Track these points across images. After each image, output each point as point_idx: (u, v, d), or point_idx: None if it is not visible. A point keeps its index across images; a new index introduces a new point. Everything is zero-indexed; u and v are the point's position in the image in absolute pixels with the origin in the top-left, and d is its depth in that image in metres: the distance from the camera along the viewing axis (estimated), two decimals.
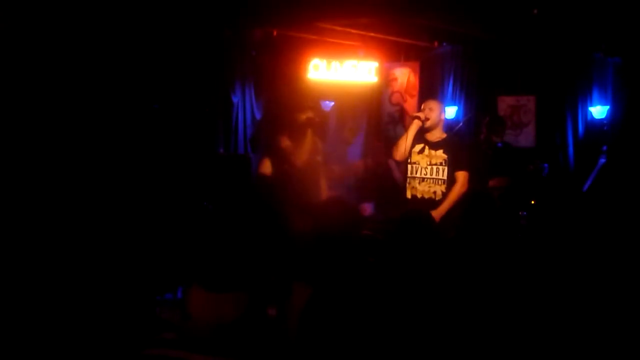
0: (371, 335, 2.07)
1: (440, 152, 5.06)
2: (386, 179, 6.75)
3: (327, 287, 2.19)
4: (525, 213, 6.37)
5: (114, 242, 4.94)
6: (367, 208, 5.95)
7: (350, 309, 2.11)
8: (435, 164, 5.05)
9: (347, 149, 8.29)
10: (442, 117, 5.19)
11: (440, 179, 5.03)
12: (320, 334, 2.06)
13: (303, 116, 5.43)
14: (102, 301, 3.77)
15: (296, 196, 5.12)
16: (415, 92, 8.74)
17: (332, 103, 8.63)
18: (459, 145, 5.22)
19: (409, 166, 5.13)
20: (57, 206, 5.50)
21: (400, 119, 8.80)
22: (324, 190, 5.54)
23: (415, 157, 5.11)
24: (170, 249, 4.66)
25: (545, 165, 6.47)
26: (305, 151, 5.39)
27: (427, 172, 5.06)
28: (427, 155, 5.08)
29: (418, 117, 5.10)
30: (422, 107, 5.28)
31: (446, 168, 5.03)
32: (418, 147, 5.12)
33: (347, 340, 2.06)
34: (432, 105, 5.18)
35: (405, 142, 5.09)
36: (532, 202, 6.49)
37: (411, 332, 2.24)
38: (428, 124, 5.07)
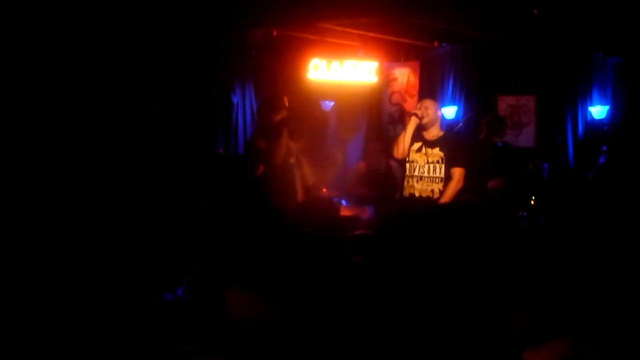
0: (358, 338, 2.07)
1: (437, 150, 5.11)
2: (386, 180, 6.75)
3: (306, 294, 2.17)
4: (525, 213, 6.37)
5: (114, 242, 4.94)
6: (367, 210, 5.95)
7: (335, 313, 2.10)
8: (432, 162, 5.10)
9: (346, 148, 8.28)
10: (439, 115, 5.29)
11: (438, 177, 5.08)
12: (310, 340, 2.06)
13: (278, 117, 5.42)
14: (101, 301, 3.77)
15: (274, 197, 5.15)
16: (415, 92, 8.73)
17: (332, 103, 8.63)
18: (455, 143, 5.27)
19: (407, 165, 5.18)
20: (57, 206, 5.50)
21: (400, 119, 8.79)
22: (300, 193, 5.55)
23: (413, 156, 5.15)
24: (170, 249, 4.66)
25: (545, 165, 6.47)
26: (281, 152, 5.37)
27: (425, 170, 5.10)
28: (424, 154, 5.12)
29: (415, 115, 5.16)
30: (417, 106, 5.37)
31: (443, 166, 5.08)
32: (416, 145, 5.16)
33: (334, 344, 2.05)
34: (428, 103, 5.26)
35: (404, 140, 5.16)
36: (532, 202, 6.49)
37: (401, 334, 2.23)
38: (425, 121, 5.14)
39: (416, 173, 5.14)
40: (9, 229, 4.96)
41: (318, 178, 5.99)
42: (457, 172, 5.08)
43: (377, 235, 2.71)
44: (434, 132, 5.19)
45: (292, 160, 5.53)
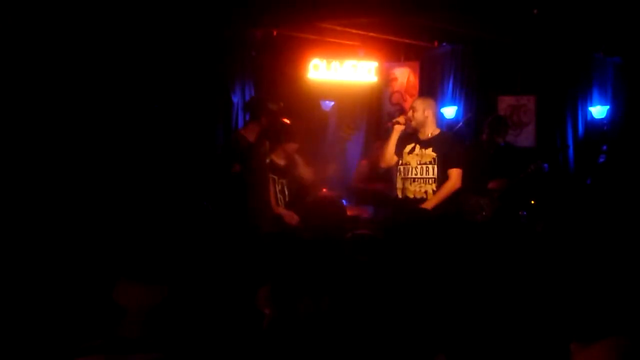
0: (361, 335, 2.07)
1: (429, 151, 5.05)
2: (387, 179, 6.74)
3: (310, 289, 2.18)
4: (525, 213, 6.37)
5: (114, 242, 4.94)
6: (367, 209, 5.95)
7: (339, 311, 2.11)
8: (425, 163, 5.04)
9: (345, 147, 8.29)
10: (428, 114, 5.12)
11: (430, 178, 5.02)
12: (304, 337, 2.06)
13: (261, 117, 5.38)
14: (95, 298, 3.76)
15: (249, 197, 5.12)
16: (415, 92, 8.73)
17: (332, 103, 8.64)
18: (450, 142, 5.19)
19: (401, 167, 5.13)
20: (57, 205, 5.50)
21: None
22: (278, 196, 5.52)
23: (406, 158, 5.11)
24: (170, 249, 4.66)
25: (546, 165, 6.48)
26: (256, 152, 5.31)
27: (417, 172, 5.05)
28: (417, 154, 5.07)
29: (397, 122, 5.11)
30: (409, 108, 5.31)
31: (435, 166, 5.01)
32: (409, 147, 5.12)
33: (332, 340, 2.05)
34: (416, 104, 5.19)
35: (387, 150, 5.11)
36: (532, 202, 6.50)
37: (404, 330, 2.24)
38: (413, 124, 5.08)
39: (409, 175, 5.08)
40: (9, 230, 4.96)
41: (315, 177, 5.97)
42: (454, 173, 5.00)
43: (379, 237, 2.72)
44: (427, 132, 5.12)
45: (268, 161, 5.49)
